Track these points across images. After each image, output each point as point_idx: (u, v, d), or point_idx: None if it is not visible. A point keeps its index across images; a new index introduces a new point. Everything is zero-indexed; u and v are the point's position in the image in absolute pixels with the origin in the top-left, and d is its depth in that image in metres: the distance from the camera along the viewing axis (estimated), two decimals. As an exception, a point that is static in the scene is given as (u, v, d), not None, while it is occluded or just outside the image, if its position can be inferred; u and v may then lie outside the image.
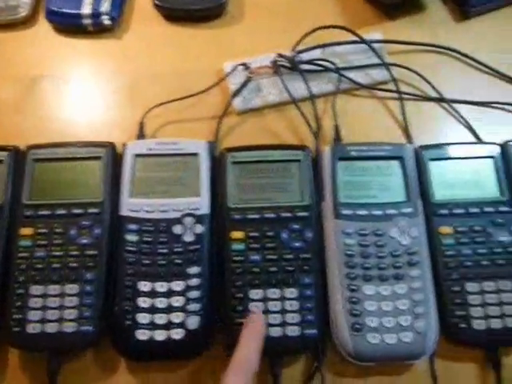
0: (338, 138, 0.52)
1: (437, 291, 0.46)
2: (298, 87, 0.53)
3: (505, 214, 0.48)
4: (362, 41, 0.53)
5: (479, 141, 0.53)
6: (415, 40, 0.57)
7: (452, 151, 0.51)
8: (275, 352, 0.44)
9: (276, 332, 0.44)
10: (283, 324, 0.44)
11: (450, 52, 0.57)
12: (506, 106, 0.55)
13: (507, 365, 0.45)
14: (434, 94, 0.55)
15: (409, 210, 0.48)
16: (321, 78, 0.54)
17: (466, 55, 0.57)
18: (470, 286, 0.46)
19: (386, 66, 0.53)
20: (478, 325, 0.45)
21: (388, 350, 0.44)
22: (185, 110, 0.54)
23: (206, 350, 0.45)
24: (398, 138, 0.53)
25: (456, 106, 0.55)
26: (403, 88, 0.55)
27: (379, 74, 0.54)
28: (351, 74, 0.54)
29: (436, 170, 0.50)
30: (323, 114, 0.54)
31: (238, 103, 0.53)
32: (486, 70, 0.57)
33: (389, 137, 0.53)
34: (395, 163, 0.50)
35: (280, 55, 0.53)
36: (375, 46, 0.55)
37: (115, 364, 0.46)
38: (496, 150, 0.51)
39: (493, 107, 0.55)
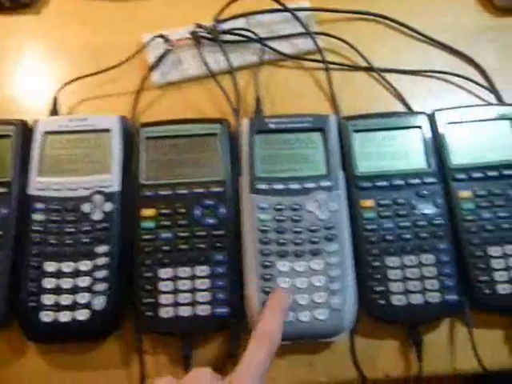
0: (258, 110, 0.50)
1: (357, 267, 0.44)
2: (220, 59, 0.51)
3: (430, 186, 0.46)
4: (286, 9, 0.51)
5: (407, 111, 0.51)
6: (347, 8, 0.54)
7: (377, 122, 0.48)
8: (186, 332, 0.43)
9: (186, 311, 0.42)
10: (193, 303, 0.43)
11: (381, 20, 0.55)
12: (438, 75, 0.53)
13: (429, 341, 0.44)
14: (364, 64, 0.53)
15: (328, 183, 0.46)
16: (244, 49, 0.52)
17: (398, 22, 0.54)
18: (390, 261, 0.44)
19: (310, 34, 0.51)
20: (398, 300, 0.43)
21: (303, 327, 0.42)
22: (103, 86, 0.52)
23: (114, 331, 0.44)
24: (326, 110, 0.51)
25: (386, 75, 0.52)
26: (332, 58, 0.53)
27: (306, 44, 0.52)
28: (276, 45, 0.52)
29: (360, 141, 0.48)
30: (247, 87, 0.52)
31: (156, 77, 0.51)
32: (419, 37, 0.54)
33: (315, 108, 0.51)
34: (317, 135, 0.48)
35: (199, 26, 0.50)
36: (303, 14, 0.53)
37: (24, 346, 0.44)
38: (424, 120, 0.49)
39: (424, 76, 0.53)
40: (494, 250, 0.45)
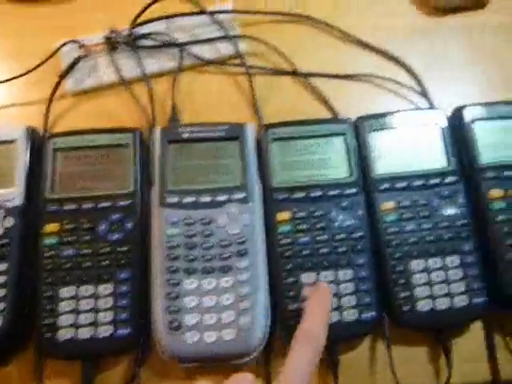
0: (173, 118, 0.47)
1: (272, 282, 0.42)
2: (137, 65, 0.49)
3: (352, 197, 0.44)
4: (204, 12, 0.49)
5: (331, 117, 0.49)
6: (273, 10, 0.52)
7: (298, 130, 0.46)
8: (85, 355, 0.41)
9: (86, 333, 0.40)
10: (95, 323, 0.40)
11: (309, 21, 0.52)
12: (366, 78, 0.50)
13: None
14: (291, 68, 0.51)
15: (242, 195, 0.44)
16: (162, 54, 0.50)
17: (326, 24, 0.52)
18: (306, 277, 0.42)
19: (230, 38, 0.49)
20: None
21: (208, 349, 0.40)
22: (14, 94, 0.50)
23: (15, 354, 0.41)
24: (249, 117, 0.49)
25: (313, 79, 0.50)
26: (257, 62, 0.51)
27: (228, 48, 0.50)
28: (198, 49, 0.50)
29: (279, 150, 0.46)
30: (166, 94, 0.49)
31: (70, 84, 0.49)
32: (348, 39, 0.52)
33: (238, 115, 0.49)
34: (233, 144, 0.46)
35: (113, 31, 0.48)
36: (226, 17, 0.50)
37: None
38: (348, 127, 0.46)
39: (352, 79, 0.50)
40: (415, 264, 0.42)
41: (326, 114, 0.49)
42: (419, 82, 0.50)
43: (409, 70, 0.51)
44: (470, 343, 0.43)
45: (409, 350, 0.43)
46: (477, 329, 0.44)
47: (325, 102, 0.49)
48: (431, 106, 0.49)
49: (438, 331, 0.42)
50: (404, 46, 0.52)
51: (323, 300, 0.38)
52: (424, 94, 0.50)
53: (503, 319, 0.43)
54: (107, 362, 0.42)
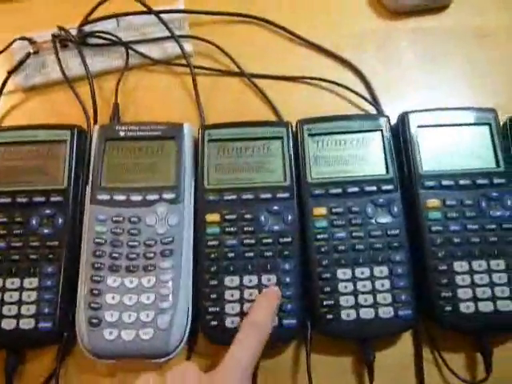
0: (114, 117, 0.48)
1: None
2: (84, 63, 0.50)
3: (285, 201, 0.44)
4: (151, 12, 0.49)
5: (271, 120, 0.48)
6: (224, 10, 0.51)
7: (236, 132, 0.46)
8: (9, 345, 0.42)
9: (10, 324, 0.41)
10: (18, 316, 0.41)
11: (260, 23, 0.52)
12: (313, 81, 0.50)
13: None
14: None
15: (172, 195, 0.44)
16: (110, 53, 0.50)
17: (277, 25, 0.51)
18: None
19: (175, 38, 0.49)
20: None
21: (126, 346, 0.40)
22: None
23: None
24: (193, 117, 0.49)
25: (260, 81, 0.50)
26: (205, 62, 0.50)
27: (175, 48, 0.50)
28: (146, 48, 0.50)
29: (214, 152, 0.46)
30: (113, 92, 0.50)
31: (19, 80, 0.50)
32: (299, 41, 0.51)
33: (182, 115, 0.49)
34: (170, 144, 0.46)
35: (61, 28, 0.49)
36: (176, 17, 0.50)
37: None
38: (285, 131, 0.46)
39: (300, 82, 0.50)
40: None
41: (270, 116, 0.49)
42: (368, 85, 0.49)
43: (358, 74, 0.50)
44: (397, 354, 0.42)
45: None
46: (406, 340, 0.43)
47: (269, 103, 0.49)
48: (378, 110, 0.48)
49: (363, 341, 0.42)
50: (356, 48, 0.51)
51: (271, 296, 0.40)
52: (372, 97, 0.49)
53: (434, 332, 0.42)
54: (33, 354, 0.43)
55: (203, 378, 0.33)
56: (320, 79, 0.49)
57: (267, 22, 0.51)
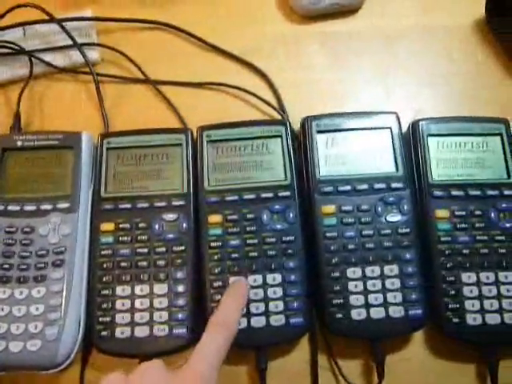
0: (16, 126, 0.47)
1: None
2: (-11, 71, 0.49)
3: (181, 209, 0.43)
4: (53, 20, 0.48)
5: (174, 128, 0.48)
6: (131, 17, 0.51)
7: (136, 139, 0.46)
8: None
9: None
10: None
11: (169, 29, 0.51)
12: (221, 87, 0.49)
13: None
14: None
15: (66, 205, 0.43)
16: (16, 62, 0.50)
17: (185, 32, 0.51)
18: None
19: (77, 46, 0.48)
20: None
21: (13, 358, 0.40)
22: None
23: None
24: (98, 125, 0.49)
25: (167, 87, 0.49)
26: (112, 70, 0.50)
27: (81, 56, 0.49)
28: (50, 57, 0.50)
29: (113, 160, 0.45)
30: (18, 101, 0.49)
31: None
32: (208, 47, 0.51)
33: (87, 123, 0.49)
34: (67, 154, 0.45)
35: (-36, 38, 0.49)
36: (84, 25, 0.50)
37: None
38: (186, 138, 0.46)
39: (207, 88, 0.50)
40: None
41: (175, 123, 0.48)
42: (275, 90, 0.49)
43: (265, 78, 0.50)
44: (292, 361, 0.42)
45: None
46: (302, 347, 0.42)
47: (174, 110, 0.48)
48: (283, 116, 0.48)
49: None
50: (265, 53, 0.51)
51: (238, 290, 0.39)
52: (279, 103, 0.49)
53: (331, 340, 0.42)
54: None
55: (167, 376, 0.32)
56: (225, 85, 0.49)
57: (174, 28, 0.51)
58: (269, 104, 0.48)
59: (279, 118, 0.48)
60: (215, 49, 0.51)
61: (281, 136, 0.45)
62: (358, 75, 0.51)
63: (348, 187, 0.43)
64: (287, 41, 0.52)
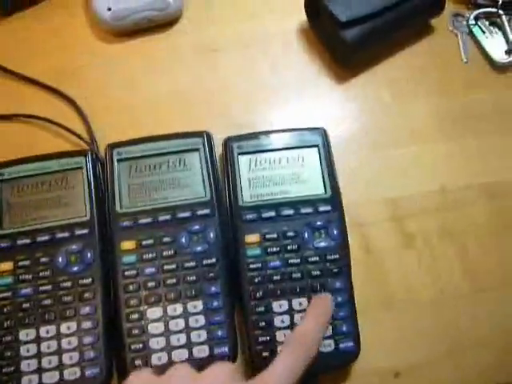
0: None
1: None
2: None
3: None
4: None
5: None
6: None
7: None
8: None
9: None
10: None
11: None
12: (29, 119, 0.46)
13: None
14: None
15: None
16: None
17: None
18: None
19: None
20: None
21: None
22: None
23: None
24: None
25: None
26: None
27: None
28: None
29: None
30: None
31: None
32: (14, 77, 0.48)
33: None
34: None
35: None
36: None
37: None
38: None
39: (14, 121, 0.46)
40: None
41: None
42: (86, 122, 0.46)
43: (76, 107, 0.47)
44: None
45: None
46: None
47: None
48: (90, 147, 0.44)
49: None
50: (79, 79, 0.48)
51: (323, 309, 0.35)
52: (88, 130, 0.46)
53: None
54: None
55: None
56: (34, 117, 0.46)
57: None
58: (75, 133, 0.45)
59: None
60: (25, 79, 0.47)
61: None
62: (171, 87, 0.48)
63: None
64: (102, 61, 0.49)
